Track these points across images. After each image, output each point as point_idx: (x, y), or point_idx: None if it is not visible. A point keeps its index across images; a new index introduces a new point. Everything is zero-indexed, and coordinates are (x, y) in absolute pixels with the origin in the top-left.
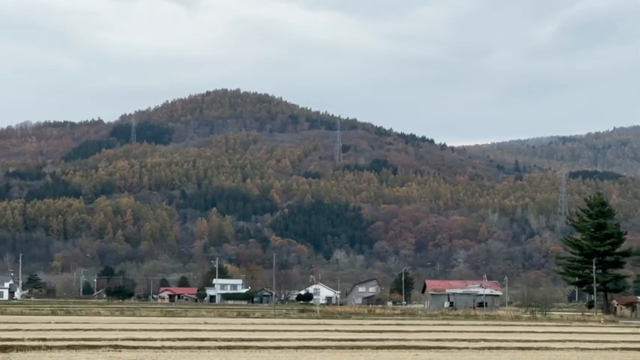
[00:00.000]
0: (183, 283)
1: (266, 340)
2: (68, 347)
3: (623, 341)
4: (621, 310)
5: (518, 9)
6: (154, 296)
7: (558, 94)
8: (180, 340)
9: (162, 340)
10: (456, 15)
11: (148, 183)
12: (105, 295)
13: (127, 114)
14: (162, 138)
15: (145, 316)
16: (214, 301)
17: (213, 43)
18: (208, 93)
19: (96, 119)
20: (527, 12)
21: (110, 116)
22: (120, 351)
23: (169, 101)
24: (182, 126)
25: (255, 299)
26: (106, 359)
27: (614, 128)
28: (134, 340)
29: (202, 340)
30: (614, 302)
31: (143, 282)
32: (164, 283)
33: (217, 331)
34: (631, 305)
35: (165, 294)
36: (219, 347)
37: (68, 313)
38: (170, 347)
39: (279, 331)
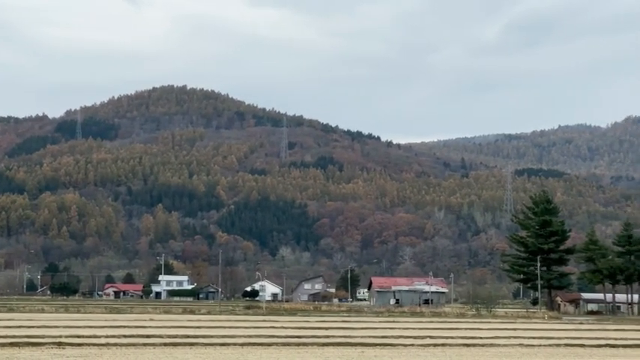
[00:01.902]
0: (129, 279)
1: (212, 336)
2: (11, 344)
3: (567, 337)
4: (565, 307)
5: (465, 7)
6: (99, 293)
7: (504, 92)
8: (125, 337)
9: (107, 337)
10: (404, 13)
11: (94, 179)
12: (49, 292)
13: (72, 110)
14: (108, 134)
15: (90, 312)
16: (160, 298)
17: (158, 39)
18: (154, 89)
19: (40, 115)
20: (473, 10)
21: (55, 112)
22: (64, 348)
23: (115, 97)
24: (128, 122)
25: (200, 296)
26: (50, 356)
27: (559, 126)
28: (78, 337)
29: (148, 336)
30: (558, 299)
31: (88, 278)
32: (109, 280)
33: (163, 327)
34: (574, 302)
35: (111, 290)
36: (165, 344)
37: (11, 310)
38: (115, 344)
39: (224, 327)
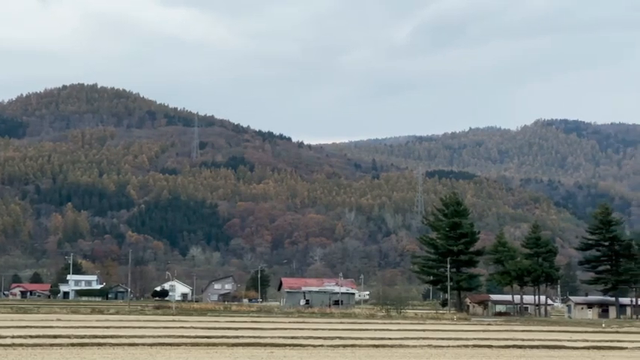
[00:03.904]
0: (36, 279)
1: (120, 337)
2: None
3: (475, 338)
4: (474, 308)
5: (377, 9)
6: (5, 292)
7: (416, 93)
8: (31, 337)
9: (13, 337)
10: (315, 13)
11: (1, 177)
12: None
13: None
14: (16, 132)
15: None
16: (68, 298)
17: (68, 36)
18: (64, 87)
19: None
20: (385, 12)
21: None
22: None
23: (24, 95)
24: (37, 120)
25: (110, 295)
26: None
27: (470, 129)
28: None
29: (55, 337)
30: (467, 300)
31: None
32: (16, 280)
33: (70, 327)
34: (483, 303)
35: (17, 290)
36: (72, 344)
37: None
38: (21, 345)
39: (133, 327)
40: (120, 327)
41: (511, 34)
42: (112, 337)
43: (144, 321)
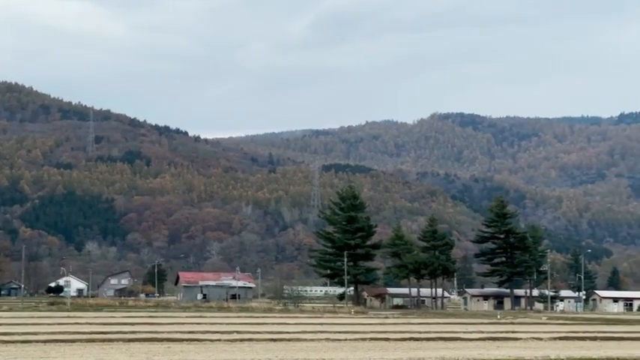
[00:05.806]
0: None
1: (13, 334)
2: None
3: (372, 331)
4: (371, 302)
5: (272, 3)
6: None
7: (312, 87)
8: None
9: None
10: (210, 7)
11: None
12: None
13: None
14: None
15: None
16: None
17: None
18: None
19: None
20: (281, 7)
21: None
22: None
23: None
24: None
25: (2, 292)
26: None
27: (366, 122)
28: None
29: None
30: (365, 294)
31: None
32: None
33: None
34: (380, 296)
35: None
36: None
37: None
38: None
39: (27, 324)
40: (13, 324)
41: (406, 28)
42: (4, 334)
43: (38, 317)
